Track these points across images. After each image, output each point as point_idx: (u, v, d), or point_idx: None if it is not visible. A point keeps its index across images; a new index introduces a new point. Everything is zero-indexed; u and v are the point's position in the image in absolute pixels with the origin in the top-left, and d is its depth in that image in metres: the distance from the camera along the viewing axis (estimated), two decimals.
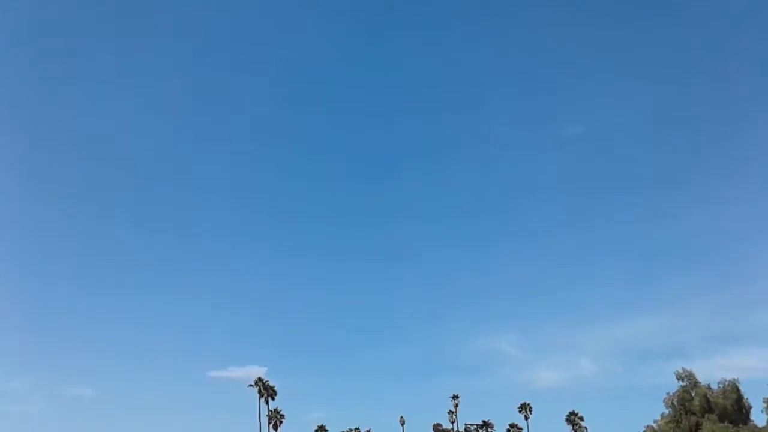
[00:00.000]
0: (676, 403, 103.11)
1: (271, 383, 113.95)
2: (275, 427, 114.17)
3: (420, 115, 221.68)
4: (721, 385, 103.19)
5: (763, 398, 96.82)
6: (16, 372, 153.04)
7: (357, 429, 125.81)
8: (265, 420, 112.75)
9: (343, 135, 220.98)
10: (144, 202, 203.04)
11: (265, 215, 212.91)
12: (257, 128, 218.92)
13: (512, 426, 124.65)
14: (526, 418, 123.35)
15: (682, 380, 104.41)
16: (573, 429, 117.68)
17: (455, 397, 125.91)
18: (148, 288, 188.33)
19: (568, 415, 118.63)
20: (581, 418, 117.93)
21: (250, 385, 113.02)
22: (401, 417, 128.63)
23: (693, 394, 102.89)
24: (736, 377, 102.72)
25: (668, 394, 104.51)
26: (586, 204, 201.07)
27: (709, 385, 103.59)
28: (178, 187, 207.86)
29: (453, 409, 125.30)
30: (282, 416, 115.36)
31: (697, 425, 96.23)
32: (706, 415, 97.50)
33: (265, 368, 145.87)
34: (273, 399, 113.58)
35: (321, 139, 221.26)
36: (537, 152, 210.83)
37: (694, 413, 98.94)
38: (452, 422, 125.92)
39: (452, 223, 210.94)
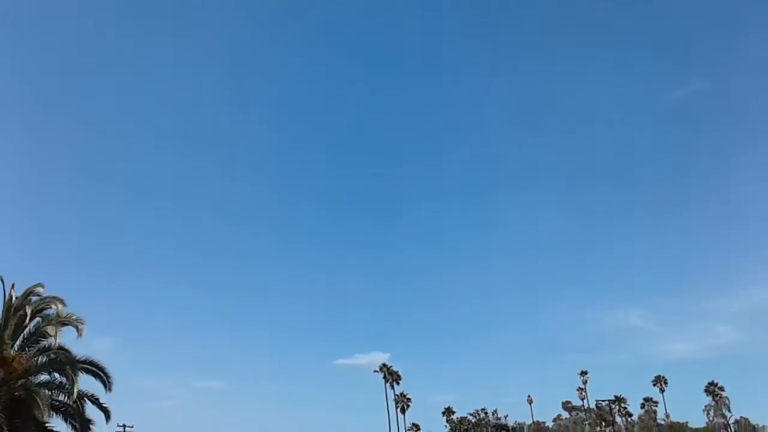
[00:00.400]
0: None
1: (394, 368, 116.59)
2: (402, 410, 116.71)
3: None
4: None
5: None
6: (158, 371, 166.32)
7: (484, 409, 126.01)
8: (392, 404, 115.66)
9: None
10: (266, 208, 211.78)
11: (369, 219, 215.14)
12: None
13: (647, 400, 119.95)
14: (662, 391, 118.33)
15: None
16: (713, 400, 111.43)
17: (584, 373, 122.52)
18: (275, 287, 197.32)
19: (707, 386, 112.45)
20: (721, 389, 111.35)
21: (375, 371, 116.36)
22: (528, 396, 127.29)
23: None
24: None
25: None
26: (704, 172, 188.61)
27: None
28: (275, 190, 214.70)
29: (582, 386, 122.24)
30: (409, 400, 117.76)
31: None
32: None
33: (388, 354, 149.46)
34: (398, 383, 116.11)
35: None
36: (652, 120, 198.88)
37: None
38: (582, 399, 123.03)
39: (566, 194, 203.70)
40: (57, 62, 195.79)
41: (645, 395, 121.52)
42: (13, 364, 28.53)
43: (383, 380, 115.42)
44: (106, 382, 30.72)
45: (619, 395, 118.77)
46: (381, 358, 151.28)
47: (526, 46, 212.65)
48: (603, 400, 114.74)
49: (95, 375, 30.61)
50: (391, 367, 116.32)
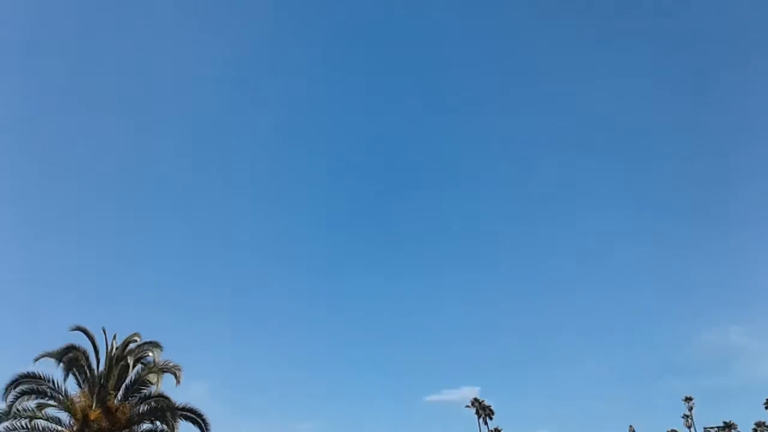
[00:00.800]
0: None
1: (486, 402, 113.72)
2: None
3: None
4: None
5: None
6: (253, 414, 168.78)
7: None
8: None
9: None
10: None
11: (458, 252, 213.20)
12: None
13: (759, 425, 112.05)
14: None
15: None
16: None
17: (688, 399, 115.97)
18: (361, 329, 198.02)
19: None
20: None
21: (467, 406, 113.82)
22: (630, 426, 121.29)
23: None
24: None
25: None
26: None
27: None
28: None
29: (688, 413, 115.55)
30: None
31: None
32: None
33: (478, 388, 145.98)
34: (491, 419, 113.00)
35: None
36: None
37: None
38: (688, 427, 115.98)
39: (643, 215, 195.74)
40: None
41: (757, 419, 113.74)
42: (117, 414, 29.32)
43: (476, 416, 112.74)
44: (203, 427, 31.17)
45: (728, 421, 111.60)
46: (471, 392, 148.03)
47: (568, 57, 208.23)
48: (712, 427, 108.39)
49: (194, 421, 31.11)
50: (483, 401, 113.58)
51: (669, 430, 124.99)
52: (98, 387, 29.46)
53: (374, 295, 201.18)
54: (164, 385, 30.16)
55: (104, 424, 28.59)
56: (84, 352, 29.55)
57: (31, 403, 29.09)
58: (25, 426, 28.68)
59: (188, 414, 30.89)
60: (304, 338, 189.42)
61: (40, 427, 28.84)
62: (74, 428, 28.39)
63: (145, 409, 30.38)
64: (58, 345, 29.03)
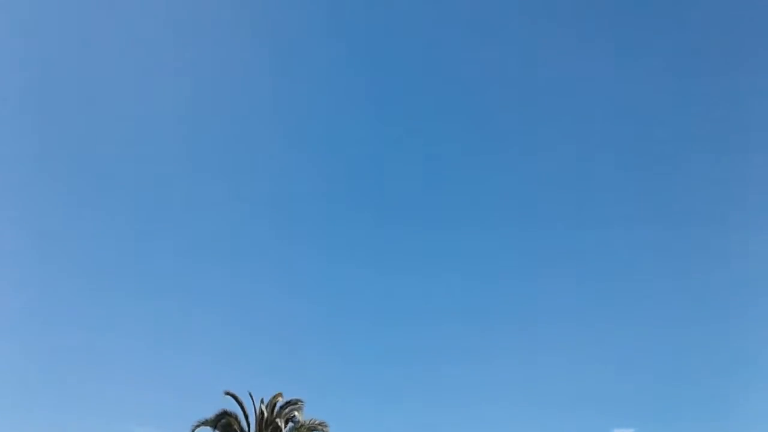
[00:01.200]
0: None
1: None
2: None
3: None
4: None
5: None
6: None
7: None
8: None
9: None
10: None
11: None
12: None
13: None
14: None
15: None
16: None
17: None
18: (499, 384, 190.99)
19: None
20: None
21: None
22: None
23: None
24: None
25: None
26: None
27: None
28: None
29: None
30: None
31: None
32: None
33: (632, 430, 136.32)
34: None
35: None
36: None
37: None
38: None
39: None
40: None
41: None
42: None
43: None
44: None
45: None
46: None
47: None
48: None
49: None
50: None
51: None
52: None
53: (509, 347, 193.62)
54: None
55: None
56: (235, 417, 30.40)
57: None
58: None
59: None
60: (435, 403, 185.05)
61: None
62: None
63: None
64: (210, 411, 30.22)
